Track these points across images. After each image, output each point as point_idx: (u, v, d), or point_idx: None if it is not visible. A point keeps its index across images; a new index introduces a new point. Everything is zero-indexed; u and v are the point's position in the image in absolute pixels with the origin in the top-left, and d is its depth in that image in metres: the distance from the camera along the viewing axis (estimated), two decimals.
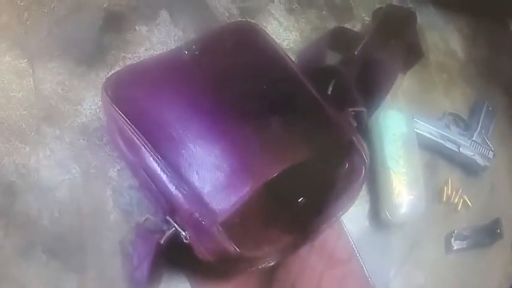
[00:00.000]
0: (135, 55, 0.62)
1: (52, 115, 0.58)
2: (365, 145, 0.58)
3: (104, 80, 0.52)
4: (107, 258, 0.55)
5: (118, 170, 0.58)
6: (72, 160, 0.57)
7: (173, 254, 0.51)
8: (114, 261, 0.55)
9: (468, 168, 0.76)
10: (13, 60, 0.58)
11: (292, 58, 0.59)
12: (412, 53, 0.72)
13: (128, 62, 0.61)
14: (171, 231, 0.49)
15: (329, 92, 0.60)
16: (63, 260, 0.54)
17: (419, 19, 0.74)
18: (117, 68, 0.59)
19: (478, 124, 0.77)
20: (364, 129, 0.62)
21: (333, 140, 0.55)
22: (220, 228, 0.47)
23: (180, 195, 0.48)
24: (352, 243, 0.65)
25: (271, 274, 0.60)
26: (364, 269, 0.65)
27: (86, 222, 0.56)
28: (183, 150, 0.49)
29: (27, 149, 0.56)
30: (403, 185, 0.66)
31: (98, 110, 0.59)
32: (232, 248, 0.47)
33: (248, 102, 0.53)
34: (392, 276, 0.68)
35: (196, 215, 0.47)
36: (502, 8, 0.83)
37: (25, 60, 0.58)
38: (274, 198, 0.53)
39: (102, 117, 0.58)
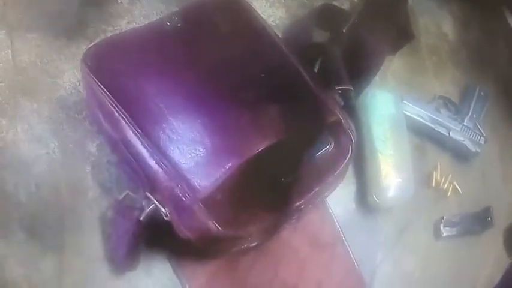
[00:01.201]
0: (116, 28, 0.61)
1: (30, 88, 0.56)
2: (352, 124, 0.57)
3: (84, 51, 0.50)
4: (86, 236, 0.54)
5: (97, 145, 0.56)
6: (50, 134, 0.55)
7: (153, 232, 0.50)
8: (93, 239, 0.54)
9: (458, 154, 0.75)
10: None
11: (278, 34, 0.58)
12: (402, 34, 0.71)
13: (109, 35, 0.59)
14: (150, 207, 0.47)
15: (315, 70, 0.59)
16: (40, 237, 0.53)
17: (411, 1, 0.73)
18: (98, 41, 0.57)
19: (470, 109, 0.76)
20: (351, 109, 0.60)
21: (319, 118, 0.54)
22: (201, 205, 0.46)
23: (160, 170, 0.46)
24: (337, 226, 0.64)
25: (253, 257, 0.59)
26: (350, 253, 0.64)
27: (64, 199, 0.54)
28: (164, 125, 0.47)
29: (4, 122, 0.54)
30: (390, 168, 0.65)
31: (78, 84, 0.57)
32: (213, 226, 0.46)
33: (232, 77, 0.51)
34: (380, 261, 0.67)
35: (177, 191, 0.46)
36: None
37: (3, 31, 0.57)
38: (257, 177, 0.51)
39: (81, 91, 0.57)
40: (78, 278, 0.53)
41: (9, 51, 0.56)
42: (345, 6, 0.74)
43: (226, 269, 0.58)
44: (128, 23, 0.61)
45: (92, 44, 0.52)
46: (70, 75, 0.58)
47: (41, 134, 0.55)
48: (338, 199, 0.65)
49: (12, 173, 0.53)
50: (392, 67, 0.74)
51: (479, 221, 0.75)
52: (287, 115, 0.51)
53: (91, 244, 0.54)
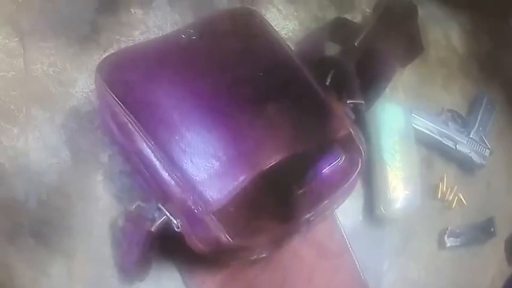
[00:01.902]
0: (129, 38, 0.60)
1: (43, 97, 0.56)
2: (362, 138, 0.57)
3: (98, 62, 0.50)
4: (96, 244, 0.54)
5: (109, 155, 0.56)
6: (62, 143, 0.55)
7: (164, 243, 0.50)
8: (103, 247, 0.54)
9: (464, 166, 0.76)
10: (4, 39, 0.56)
11: (291, 47, 0.58)
12: (412, 47, 0.72)
13: (123, 45, 0.59)
14: (162, 219, 0.48)
15: (328, 83, 0.59)
16: (50, 245, 0.53)
17: (421, 13, 0.74)
18: (111, 51, 0.58)
19: (476, 122, 0.76)
20: (361, 122, 0.61)
21: (330, 131, 0.54)
22: (214, 218, 0.46)
23: (173, 182, 0.47)
24: (345, 236, 0.64)
25: (262, 266, 0.59)
26: (356, 263, 0.64)
27: (74, 207, 0.54)
28: (177, 137, 0.47)
29: (15, 130, 0.54)
30: (398, 180, 0.65)
31: (90, 93, 0.57)
32: (225, 238, 0.47)
33: (246, 90, 0.51)
34: (385, 271, 0.68)
35: (189, 203, 0.46)
36: (504, 4, 0.82)
37: (16, 39, 0.56)
38: (269, 189, 0.52)
39: (94, 101, 0.57)
40: (87, 285, 0.53)
41: (22, 59, 0.56)
42: (357, 19, 0.74)
43: (235, 278, 0.58)
44: (142, 33, 0.61)
45: (106, 54, 0.52)
46: (83, 84, 0.57)
47: (52, 143, 0.55)
48: (346, 210, 0.66)
49: (23, 181, 0.53)
50: (402, 79, 0.74)
51: (482, 231, 0.76)
52: (300, 128, 0.51)
53: (101, 252, 0.54)
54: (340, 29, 0.66)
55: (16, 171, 0.53)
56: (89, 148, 0.56)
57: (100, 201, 0.55)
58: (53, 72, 0.57)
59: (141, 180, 0.51)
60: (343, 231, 0.64)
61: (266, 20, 0.57)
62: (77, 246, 0.54)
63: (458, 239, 0.73)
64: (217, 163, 0.47)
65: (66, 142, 0.55)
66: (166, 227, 0.48)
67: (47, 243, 0.53)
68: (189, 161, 0.47)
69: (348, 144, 0.56)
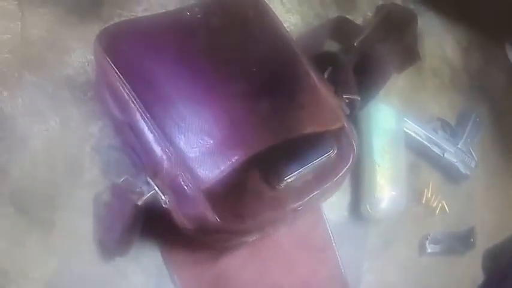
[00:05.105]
0: (131, 13, 0.60)
1: (37, 62, 0.55)
2: (355, 133, 0.57)
3: (99, 30, 0.50)
4: (77, 217, 0.53)
5: (100, 127, 0.55)
6: (52, 111, 0.54)
7: (148, 221, 0.49)
8: (84, 221, 0.53)
9: (450, 175, 0.77)
10: (2, 1, 0.55)
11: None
12: (409, 54, 0.73)
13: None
14: (151, 193, 0.47)
15: (325, 77, 0.60)
16: (29, 213, 0.51)
17: (419, 22, 0.75)
18: (115, 22, 0.56)
19: (465, 133, 0.78)
20: (354, 120, 0.61)
21: (325, 123, 0.54)
22: (203, 196, 0.46)
23: (164, 157, 0.46)
24: (329, 231, 0.64)
25: (245, 254, 0.58)
26: (339, 259, 0.64)
27: (58, 177, 0.53)
28: (173, 111, 0.47)
29: (5, 93, 0.53)
30: (386, 180, 0.66)
31: (86, 64, 0.56)
32: (213, 217, 0.46)
33: (247, 73, 0.51)
34: (365, 270, 0.68)
35: (180, 179, 0.46)
36: (498, 24, 0.85)
37: (15, 2, 0.55)
38: (260, 174, 0.51)
39: (89, 71, 0.56)
40: (64, 258, 0.51)
41: (19, 23, 0.55)
42: (358, 21, 0.75)
43: (217, 264, 0.57)
44: (145, 9, 0.61)
45: (108, 24, 0.51)
46: (79, 54, 0.56)
47: (42, 109, 0.54)
48: (332, 205, 0.66)
49: (7, 146, 0.52)
50: (396, 85, 0.75)
51: (462, 240, 0.76)
52: (295, 116, 0.52)
53: (81, 226, 0.52)
54: (341, 28, 0.67)
55: (1, 135, 0.52)
56: (80, 118, 0.55)
57: (85, 173, 0.54)
58: (50, 39, 0.56)
59: (131, 153, 0.50)
60: (328, 226, 0.64)
61: (272, 10, 0.58)
62: (57, 217, 0.52)
63: (439, 246, 0.74)
64: (211, 141, 0.47)
65: (56, 110, 0.54)
66: (153, 203, 0.47)
67: (27, 212, 0.51)
68: (183, 136, 0.46)
69: (341, 138, 0.56)
